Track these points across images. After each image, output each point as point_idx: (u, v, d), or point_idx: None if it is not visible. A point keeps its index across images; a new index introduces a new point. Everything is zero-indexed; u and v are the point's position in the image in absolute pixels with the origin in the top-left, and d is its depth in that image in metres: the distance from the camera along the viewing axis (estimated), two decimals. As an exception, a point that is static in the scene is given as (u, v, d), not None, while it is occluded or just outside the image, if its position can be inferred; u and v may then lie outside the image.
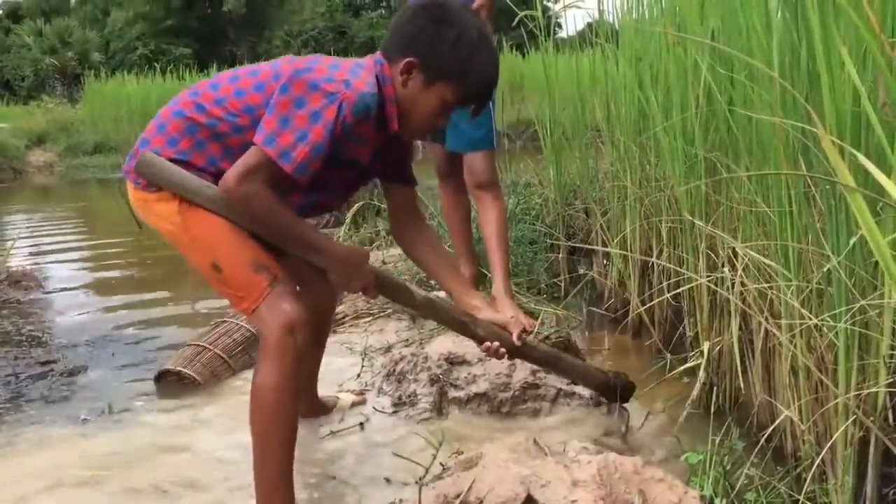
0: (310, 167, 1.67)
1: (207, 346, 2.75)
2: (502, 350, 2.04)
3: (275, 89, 1.71)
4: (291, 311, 1.71)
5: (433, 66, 1.75)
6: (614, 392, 2.25)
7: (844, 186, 0.88)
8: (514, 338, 2.04)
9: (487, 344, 2.03)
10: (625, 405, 2.29)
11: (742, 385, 2.08)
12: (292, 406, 1.75)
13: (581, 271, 4.03)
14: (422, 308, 2.04)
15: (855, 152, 0.89)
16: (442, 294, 2.26)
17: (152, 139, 1.79)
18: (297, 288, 1.84)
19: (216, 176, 1.73)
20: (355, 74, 1.71)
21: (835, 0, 1.34)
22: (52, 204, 9.59)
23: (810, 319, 1.65)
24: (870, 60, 1.37)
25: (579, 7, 3.68)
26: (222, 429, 2.34)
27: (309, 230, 1.82)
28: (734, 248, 2.12)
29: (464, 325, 2.04)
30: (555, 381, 2.40)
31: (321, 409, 2.37)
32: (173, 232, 1.79)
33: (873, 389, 1.52)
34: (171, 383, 2.68)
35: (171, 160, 1.76)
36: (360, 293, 1.94)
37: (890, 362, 1.52)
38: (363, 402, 2.45)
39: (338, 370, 2.73)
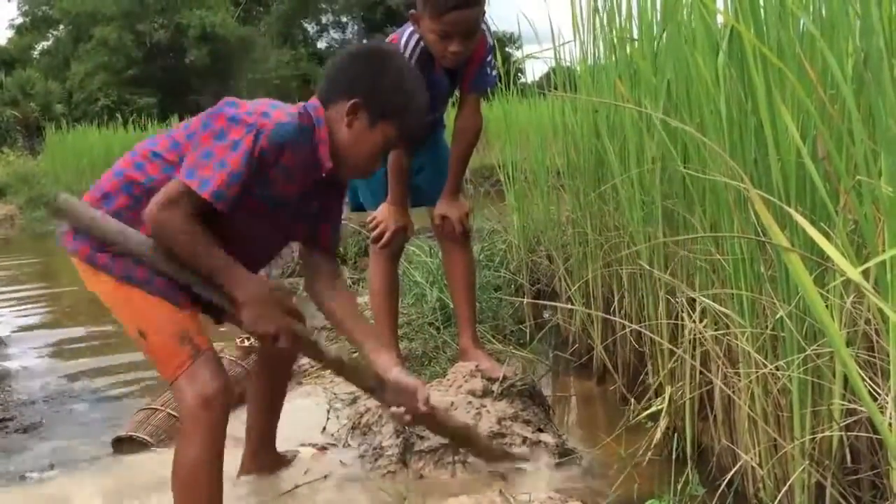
0: (228, 194, 1.70)
1: (159, 407, 2.73)
2: (406, 417, 1.99)
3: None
4: (209, 385, 1.74)
5: (377, 107, 1.83)
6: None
7: (779, 247, 0.92)
8: (420, 403, 1.99)
9: (393, 409, 1.99)
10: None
11: (703, 430, 2.11)
12: (213, 480, 1.78)
13: (546, 316, 4.06)
14: (331, 366, 2.01)
15: (791, 211, 0.93)
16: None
17: (90, 199, 1.83)
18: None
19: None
20: (276, 108, 1.79)
21: (780, 68, 1.40)
22: (13, 257, 9.43)
23: (765, 366, 1.68)
24: (812, 118, 1.43)
25: (538, 58, 3.78)
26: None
27: (225, 261, 1.76)
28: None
29: (371, 389, 2.02)
30: (521, 430, 2.40)
31: (279, 464, 2.35)
32: (108, 293, 1.82)
33: (827, 434, 1.55)
34: (125, 445, 2.65)
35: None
36: (271, 340, 1.82)
37: (843, 406, 1.55)
38: (324, 457, 2.43)
39: (303, 423, 2.71)
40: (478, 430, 2.22)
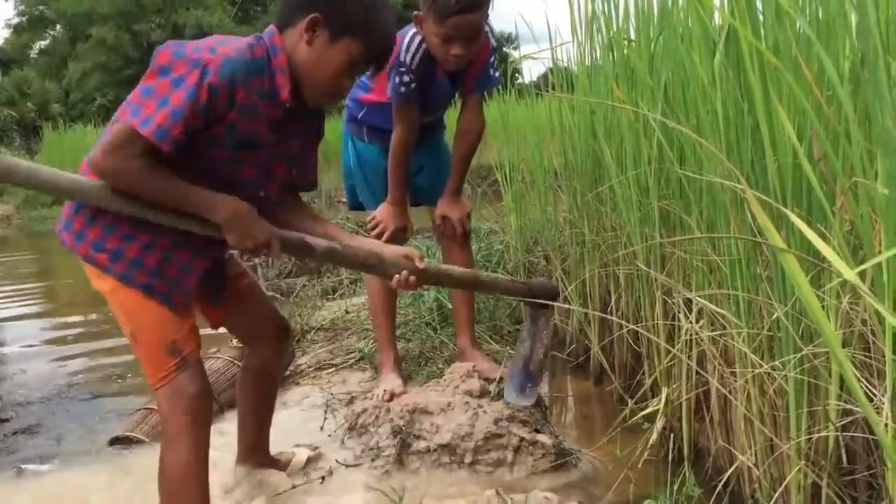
0: (171, 133, 1.60)
1: (155, 407, 2.73)
2: (412, 278, 2.00)
3: None
4: (189, 391, 1.75)
5: (338, 20, 1.71)
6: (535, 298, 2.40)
7: (776, 248, 0.92)
8: (417, 262, 2.01)
9: (397, 277, 2.00)
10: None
11: (700, 431, 2.11)
12: (201, 484, 1.79)
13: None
14: (324, 257, 1.98)
15: (787, 212, 0.93)
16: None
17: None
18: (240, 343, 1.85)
19: None
20: (223, 43, 1.69)
21: (776, 67, 1.40)
22: (9, 255, 9.43)
23: (761, 367, 1.68)
24: (808, 120, 1.43)
25: (535, 58, 3.79)
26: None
27: (189, 190, 1.69)
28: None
29: (370, 265, 2.02)
30: (518, 431, 2.40)
31: (274, 466, 2.33)
32: (108, 292, 1.79)
33: (823, 434, 1.56)
34: (122, 444, 2.66)
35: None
36: (262, 252, 1.78)
37: (839, 407, 1.55)
38: (319, 458, 2.42)
39: (300, 423, 2.71)
40: (482, 273, 2.35)
